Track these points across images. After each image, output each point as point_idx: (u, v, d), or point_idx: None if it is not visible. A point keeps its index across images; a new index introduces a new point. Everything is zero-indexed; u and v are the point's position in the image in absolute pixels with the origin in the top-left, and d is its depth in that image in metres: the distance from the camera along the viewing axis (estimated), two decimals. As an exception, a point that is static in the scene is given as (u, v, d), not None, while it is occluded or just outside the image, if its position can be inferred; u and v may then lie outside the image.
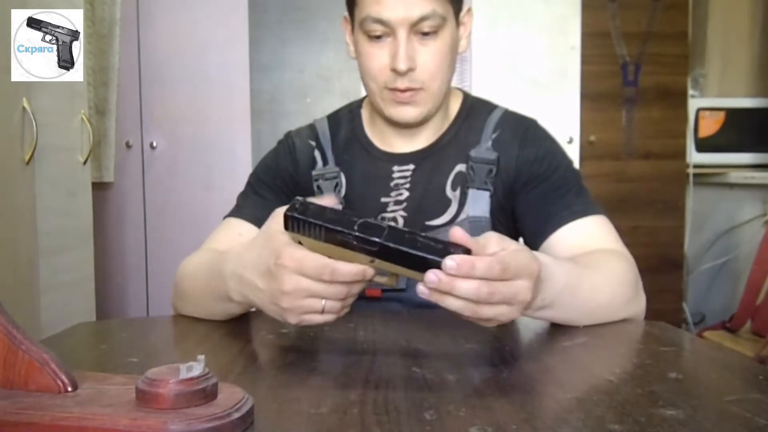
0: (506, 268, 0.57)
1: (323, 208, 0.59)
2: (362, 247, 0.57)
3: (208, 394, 0.46)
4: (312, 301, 0.63)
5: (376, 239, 0.57)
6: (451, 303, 0.57)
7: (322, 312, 0.63)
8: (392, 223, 0.58)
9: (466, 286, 0.56)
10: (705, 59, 2.90)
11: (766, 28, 2.85)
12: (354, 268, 0.60)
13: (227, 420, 0.45)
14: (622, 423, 0.48)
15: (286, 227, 0.61)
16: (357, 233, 0.57)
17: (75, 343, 0.79)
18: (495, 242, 0.60)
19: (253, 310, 0.83)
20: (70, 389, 0.49)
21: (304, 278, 0.61)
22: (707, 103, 2.78)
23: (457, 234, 0.58)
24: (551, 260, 0.72)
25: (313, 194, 0.99)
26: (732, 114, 2.76)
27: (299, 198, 0.60)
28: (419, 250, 0.56)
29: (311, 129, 1.04)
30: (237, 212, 0.98)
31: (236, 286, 0.71)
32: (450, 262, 0.55)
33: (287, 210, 0.60)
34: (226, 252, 0.78)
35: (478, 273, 0.56)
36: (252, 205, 0.99)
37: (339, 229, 0.58)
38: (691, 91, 2.79)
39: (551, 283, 0.69)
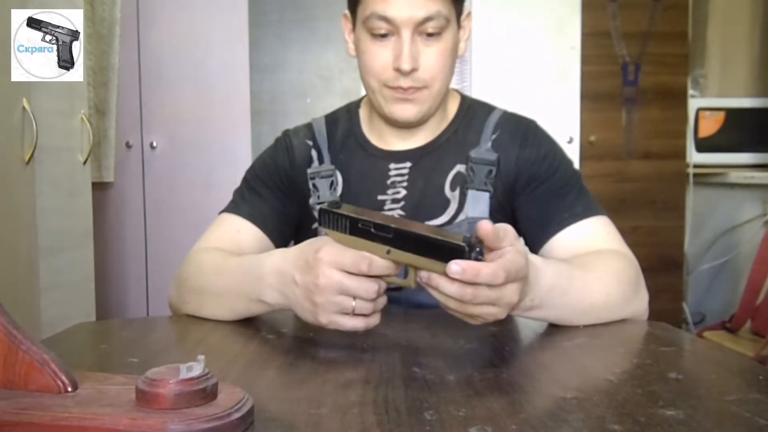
0: (508, 276, 0.60)
1: (354, 207, 0.67)
2: (379, 234, 0.62)
3: (208, 394, 0.46)
4: (343, 299, 0.65)
5: (391, 225, 0.62)
6: (437, 295, 0.62)
7: (353, 313, 0.65)
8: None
9: (448, 287, 0.60)
10: (705, 59, 2.90)
11: (766, 28, 2.85)
12: (388, 261, 0.63)
13: (227, 420, 0.45)
14: (622, 423, 0.48)
15: (319, 222, 0.68)
16: (375, 221, 0.63)
17: (75, 343, 0.79)
18: (510, 239, 0.63)
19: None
20: (70, 389, 0.49)
21: (338, 272, 0.64)
22: (707, 103, 2.78)
23: (486, 226, 0.60)
24: (541, 261, 0.73)
25: (308, 193, 1.00)
26: (732, 114, 2.76)
27: (335, 200, 0.69)
28: (431, 235, 0.61)
29: (308, 128, 1.05)
30: (234, 208, 0.98)
31: (276, 282, 0.73)
32: (455, 267, 0.58)
33: (320, 205, 0.68)
34: (267, 252, 0.80)
35: (482, 280, 0.59)
36: (249, 203, 0.99)
37: (359, 218, 0.64)
38: (691, 91, 2.78)
39: (539, 284, 0.71)
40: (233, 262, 0.84)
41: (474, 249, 0.59)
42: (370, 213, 0.65)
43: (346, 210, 0.66)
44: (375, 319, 0.68)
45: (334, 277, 0.64)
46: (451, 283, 0.59)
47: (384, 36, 0.89)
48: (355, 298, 0.65)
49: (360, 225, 0.64)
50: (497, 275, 0.59)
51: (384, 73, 0.91)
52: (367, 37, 0.91)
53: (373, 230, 0.63)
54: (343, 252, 0.64)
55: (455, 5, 0.91)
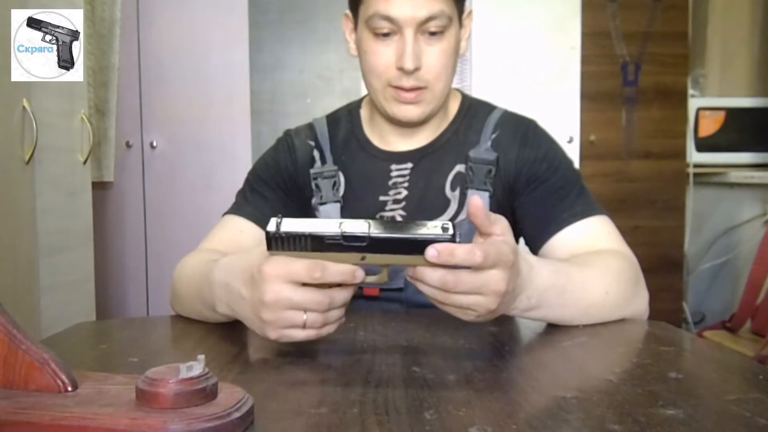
0: (487, 256, 0.58)
1: (301, 220, 0.60)
2: (351, 245, 0.58)
3: (208, 394, 0.46)
4: (293, 314, 0.61)
5: (364, 233, 0.58)
6: (422, 287, 0.60)
7: (304, 327, 0.62)
8: (371, 220, 0.59)
9: (431, 275, 0.58)
10: (705, 59, 2.90)
11: (766, 28, 2.85)
12: (344, 267, 0.59)
13: (227, 420, 0.45)
14: (622, 423, 0.48)
15: (269, 247, 0.60)
16: (344, 232, 0.58)
17: (75, 343, 0.79)
18: (500, 228, 0.62)
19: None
20: (70, 389, 0.49)
21: (286, 286, 0.60)
22: (707, 103, 2.78)
23: (476, 202, 0.59)
24: (536, 260, 0.73)
25: (310, 193, 1.00)
26: (732, 114, 2.76)
27: (274, 218, 0.60)
28: (407, 232, 0.58)
29: (310, 129, 1.05)
30: (237, 210, 0.98)
31: (223, 295, 0.70)
32: (431, 251, 0.56)
33: (267, 229, 0.59)
34: (218, 259, 0.77)
35: (458, 260, 0.57)
36: (252, 203, 0.99)
37: (324, 233, 0.59)
38: (691, 91, 2.79)
39: (536, 283, 0.70)
40: (202, 267, 0.81)
41: (454, 236, 0.58)
42: (325, 222, 0.60)
43: (293, 225, 0.59)
44: (328, 329, 0.64)
45: (283, 293, 0.60)
46: (433, 271, 0.58)
47: (386, 35, 0.89)
48: (306, 311, 0.62)
49: (327, 240, 0.58)
50: (473, 254, 0.57)
51: (387, 72, 0.91)
52: (370, 36, 0.91)
53: (344, 243, 0.58)
54: (290, 263, 0.60)
55: (457, 4, 0.91)
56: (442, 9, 0.88)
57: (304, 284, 0.60)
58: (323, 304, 0.61)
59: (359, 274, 0.60)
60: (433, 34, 0.89)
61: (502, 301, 0.62)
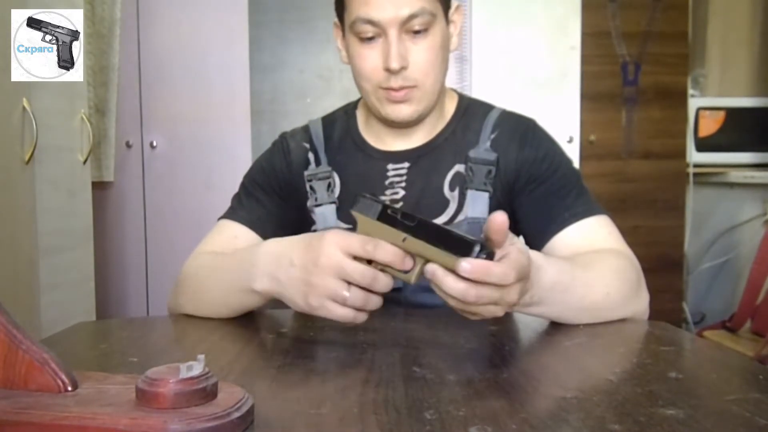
0: (519, 276, 0.60)
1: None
2: (402, 222, 0.63)
3: (208, 394, 0.46)
4: (338, 285, 0.65)
5: (417, 216, 0.63)
6: (439, 291, 0.62)
7: (344, 304, 0.66)
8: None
9: (454, 285, 0.59)
10: (705, 59, 2.90)
11: (766, 28, 2.85)
12: (396, 249, 0.63)
13: (227, 420, 0.45)
14: (622, 423, 0.48)
15: (353, 207, 0.68)
16: (405, 210, 0.64)
17: (75, 343, 0.79)
18: (510, 237, 0.63)
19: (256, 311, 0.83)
20: (70, 389, 0.49)
21: (341, 254, 0.65)
22: (707, 102, 2.78)
23: (500, 219, 0.59)
24: (543, 259, 0.73)
25: (306, 195, 0.99)
26: (732, 114, 2.76)
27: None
28: (453, 230, 0.62)
29: (305, 131, 1.05)
30: (232, 214, 0.98)
31: (269, 265, 0.73)
32: (465, 265, 0.57)
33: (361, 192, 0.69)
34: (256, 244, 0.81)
35: (493, 279, 0.59)
36: (246, 208, 0.99)
37: (391, 204, 0.66)
38: (691, 91, 2.78)
39: (540, 282, 0.71)
40: (226, 257, 0.85)
41: (485, 249, 0.59)
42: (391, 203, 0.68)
43: (377, 198, 0.68)
44: (363, 316, 0.68)
45: (336, 257, 0.65)
46: (456, 281, 0.59)
47: (371, 39, 0.90)
48: (349, 286, 0.66)
49: (389, 211, 0.65)
50: (507, 275, 0.59)
51: (375, 74, 0.91)
52: (356, 41, 0.91)
53: (399, 217, 0.64)
54: (349, 236, 0.66)
55: (441, 0, 0.91)
56: (423, 6, 0.88)
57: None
58: (367, 278, 0.65)
59: (408, 262, 0.64)
60: (417, 32, 0.89)
61: (510, 309, 0.66)
